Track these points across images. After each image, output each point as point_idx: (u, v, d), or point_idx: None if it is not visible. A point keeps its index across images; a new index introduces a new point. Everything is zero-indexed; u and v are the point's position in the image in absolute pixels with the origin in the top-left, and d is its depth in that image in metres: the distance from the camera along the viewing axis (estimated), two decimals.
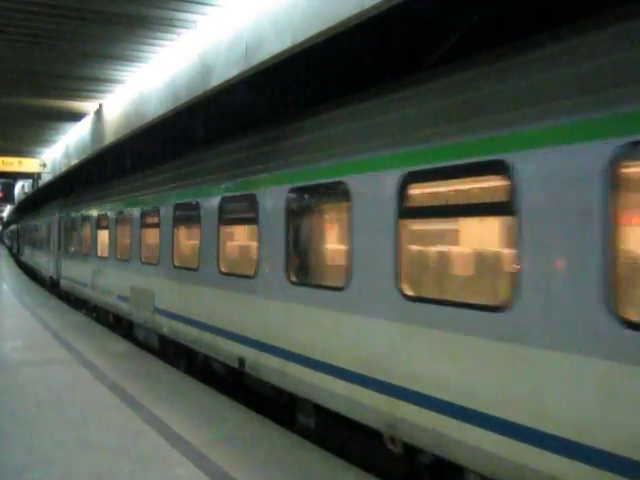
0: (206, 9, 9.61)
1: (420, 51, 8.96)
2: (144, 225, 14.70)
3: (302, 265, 8.82)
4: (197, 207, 11.50)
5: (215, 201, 10.77)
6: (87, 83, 14.85)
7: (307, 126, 8.72)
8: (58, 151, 25.38)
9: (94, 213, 19.82)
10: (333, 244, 8.52)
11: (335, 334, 7.57)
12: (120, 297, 16.28)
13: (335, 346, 7.54)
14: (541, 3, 8.08)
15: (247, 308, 9.60)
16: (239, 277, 10.01)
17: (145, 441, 7.84)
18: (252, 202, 9.49)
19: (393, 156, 6.73)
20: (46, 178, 29.19)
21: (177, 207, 12.68)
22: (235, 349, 9.85)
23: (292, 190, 8.52)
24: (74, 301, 23.45)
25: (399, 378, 6.50)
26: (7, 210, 75.03)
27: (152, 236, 14.33)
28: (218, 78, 9.99)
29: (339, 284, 7.48)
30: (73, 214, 23.58)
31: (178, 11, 9.73)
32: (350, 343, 7.29)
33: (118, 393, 10.12)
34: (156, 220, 13.68)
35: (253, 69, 9.10)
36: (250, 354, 9.41)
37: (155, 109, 13.07)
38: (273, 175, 9.02)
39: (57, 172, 26.39)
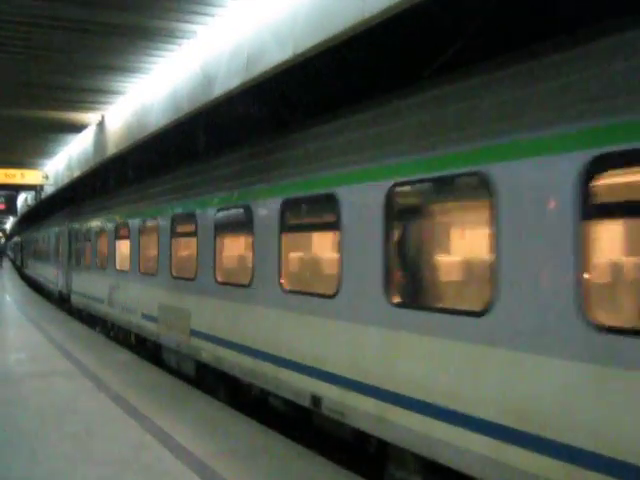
0: (207, 19, 9.63)
1: (419, 60, 8.97)
2: (175, 234, 13.08)
3: (414, 282, 7.20)
4: (250, 211, 9.83)
5: (275, 204, 9.05)
6: (89, 95, 14.88)
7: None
8: (60, 163, 25.42)
9: (111, 222, 18.00)
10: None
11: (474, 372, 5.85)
12: (145, 316, 14.44)
13: (474, 390, 5.78)
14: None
15: (326, 335, 7.82)
16: (313, 296, 8.27)
17: (148, 452, 7.81)
18: (332, 204, 7.76)
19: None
20: (49, 190, 29.22)
21: (221, 212, 11.00)
22: (307, 384, 8.10)
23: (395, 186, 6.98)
24: (87, 318, 21.58)
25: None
26: (10, 222, 75.21)
27: (186, 247, 13.00)
28: (220, 88, 10.00)
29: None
30: (85, 224, 21.81)
31: (179, 22, 9.76)
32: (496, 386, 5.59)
33: (121, 404, 10.10)
34: (192, 228, 12.03)
35: (254, 79, 9.12)
36: (330, 392, 7.63)
37: (157, 120, 13.08)
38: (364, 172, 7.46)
39: (60, 184, 26.42)
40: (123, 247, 16.79)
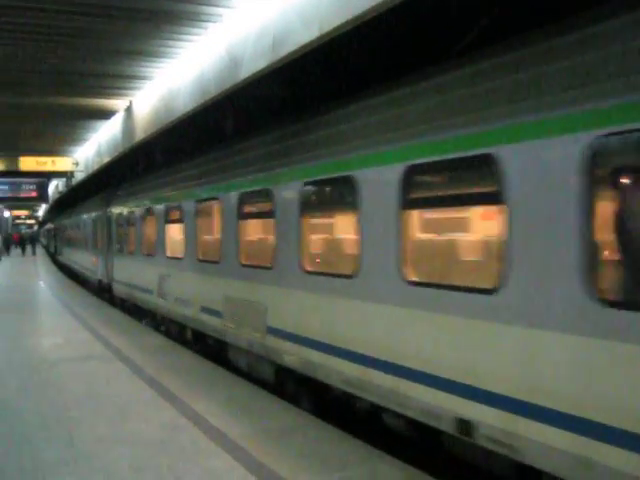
0: (232, 2, 9.60)
1: (447, 39, 8.85)
2: (245, 215, 11.23)
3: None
4: (354, 183, 7.86)
5: (394, 172, 7.14)
6: (116, 80, 14.96)
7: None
8: (90, 149, 25.64)
9: (159, 204, 16.14)
10: None
11: None
12: (206, 310, 12.69)
13: None
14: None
15: (485, 341, 6.02)
16: (448, 290, 6.49)
17: (183, 434, 7.90)
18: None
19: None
20: (79, 176, 29.52)
21: (310, 185, 9.05)
22: (450, 405, 6.37)
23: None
24: (131, 309, 20.02)
25: None
26: (42, 209, 76.16)
27: (260, 230, 11.65)
28: (246, 71, 9.98)
29: None
30: (128, 207, 19.82)
31: (204, 5, 9.74)
32: None
33: (156, 387, 10.21)
34: (268, 208, 10.15)
35: (281, 61, 9.08)
36: (490, 418, 5.90)
37: (185, 104, 13.10)
38: None
39: (90, 170, 26.66)
40: (175, 232, 15.19)
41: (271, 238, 10.19)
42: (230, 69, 10.53)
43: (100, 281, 24.92)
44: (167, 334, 15.75)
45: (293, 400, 9.52)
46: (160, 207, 16.04)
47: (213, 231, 13.07)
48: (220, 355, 12.49)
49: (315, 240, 9.70)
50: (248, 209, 11.19)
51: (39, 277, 35.51)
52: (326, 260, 9.73)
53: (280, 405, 9.21)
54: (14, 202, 49.79)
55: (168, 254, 15.39)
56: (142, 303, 17.99)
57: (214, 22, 10.54)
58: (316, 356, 8.67)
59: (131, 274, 19.40)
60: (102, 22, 10.49)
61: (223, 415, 8.66)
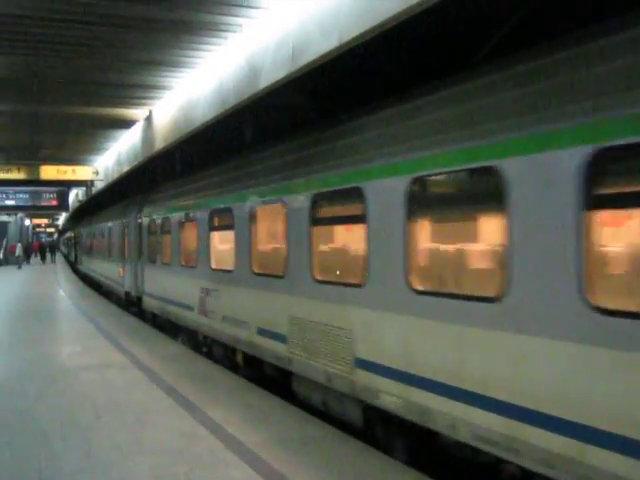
0: (252, 12, 9.64)
1: (468, 48, 8.82)
2: (318, 221, 9.27)
3: None
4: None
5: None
6: (136, 90, 15.06)
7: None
8: (110, 158, 25.83)
9: (201, 209, 14.16)
10: None
11: None
12: (265, 332, 10.72)
13: None
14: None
15: None
16: None
17: (200, 443, 7.90)
18: None
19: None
20: (99, 185, 29.73)
21: (419, 183, 7.23)
22: None
23: None
24: (163, 324, 18.15)
25: None
26: (62, 218, 76.77)
27: (341, 239, 9.78)
28: (265, 80, 10.01)
29: None
30: (163, 212, 17.78)
31: (224, 15, 9.78)
32: None
33: (173, 395, 10.23)
34: (358, 209, 8.19)
35: (300, 70, 9.10)
36: None
37: (204, 114, 13.16)
38: None
39: (109, 179, 26.85)
40: (223, 240, 13.34)
41: (360, 248, 8.33)
42: (249, 79, 10.57)
43: (128, 293, 22.88)
44: (209, 355, 13.94)
45: (386, 447, 7.92)
46: (202, 212, 14.12)
47: (272, 239, 11.46)
48: (282, 386, 10.61)
49: (433, 248, 7.85)
50: (327, 212, 9.30)
51: (59, 285, 35.74)
52: (450, 275, 7.57)
53: (299, 415, 9.18)
54: (35, 211, 50.24)
55: (213, 265, 13.43)
56: (179, 320, 15.93)
57: (234, 32, 10.59)
58: (433, 400, 6.81)
59: (166, 287, 17.29)
60: (122, 32, 10.56)
61: (241, 424, 8.65)
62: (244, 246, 11.63)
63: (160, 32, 10.57)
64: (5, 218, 59.40)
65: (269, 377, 11.21)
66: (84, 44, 11.23)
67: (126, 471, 7.04)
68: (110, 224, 27.95)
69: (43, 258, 67.22)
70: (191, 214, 15.05)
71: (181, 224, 15.76)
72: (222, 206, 12.87)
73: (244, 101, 11.18)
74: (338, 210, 9.43)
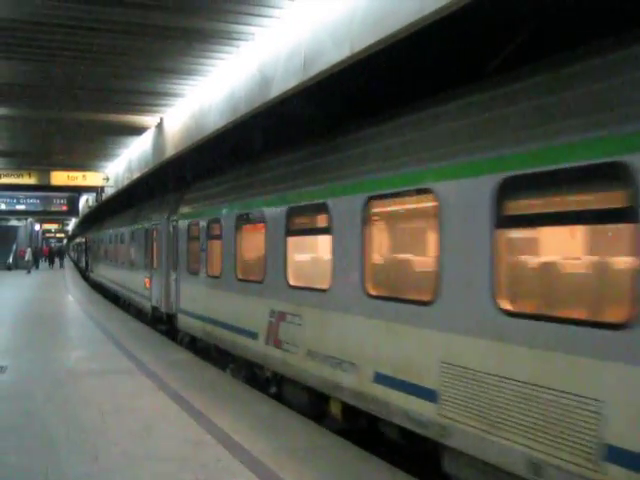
0: (264, 21, 9.67)
1: (483, 56, 8.81)
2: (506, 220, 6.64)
3: None
4: None
5: None
6: (148, 97, 15.12)
7: None
8: (121, 165, 25.91)
9: (271, 208, 10.81)
10: None
11: None
12: (388, 380, 7.57)
13: None
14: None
15: None
16: None
17: (207, 451, 7.88)
18: None
19: None
20: (109, 191, 29.82)
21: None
22: None
23: None
24: (206, 350, 14.86)
25: None
26: (72, 223, 76.93)
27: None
28: (277, 89, 10.03)
29: None
30: (208, 213, 14.52)
31: (236, 24, 9.82)
32: None
33: (180, 402, 10.21)
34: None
35: (312, 79, 9.12)
36: None
37: (215, 121, 13.19)
38: None
39: (120, 185, 26.93)
40: (309, 248, 10.87)
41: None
42: (261, 87, 10.60)
43: (155, 309, 19.48)
44: (279, 398, 10.72)
45: None
46: (271, 212, 10.82)
47: (401, 247, 8.88)
48: (426, 462, 7.81)
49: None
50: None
51: (68, 291, 35.80)
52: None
53: (304, 423, 9.16)
54: (45, 216, 50.42)
55: (292, 282, 10.12)
56: (233, 348, 12.67)
57: (246, 41, 10.63)
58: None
59: (213, 306, 13.94)
60: (134, 40, 10.62)
61: (247, 432, 8.63)
62: (351, 257, 8.41)
63: (173, 40, 10.62)
64: (15, 223, 59.63)
65: (387, 439, 8.34)
66: (98, 51, 11.28)
67: (131, 477, 7.03)
68: (132, 228, 24.71)
69: (51, 263, 67.51)
70: (252, 214, 11.97)
71: (238, 227, 12.50)
72: (308, 203, 9.81)
73: (255, 109, 11.20)
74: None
